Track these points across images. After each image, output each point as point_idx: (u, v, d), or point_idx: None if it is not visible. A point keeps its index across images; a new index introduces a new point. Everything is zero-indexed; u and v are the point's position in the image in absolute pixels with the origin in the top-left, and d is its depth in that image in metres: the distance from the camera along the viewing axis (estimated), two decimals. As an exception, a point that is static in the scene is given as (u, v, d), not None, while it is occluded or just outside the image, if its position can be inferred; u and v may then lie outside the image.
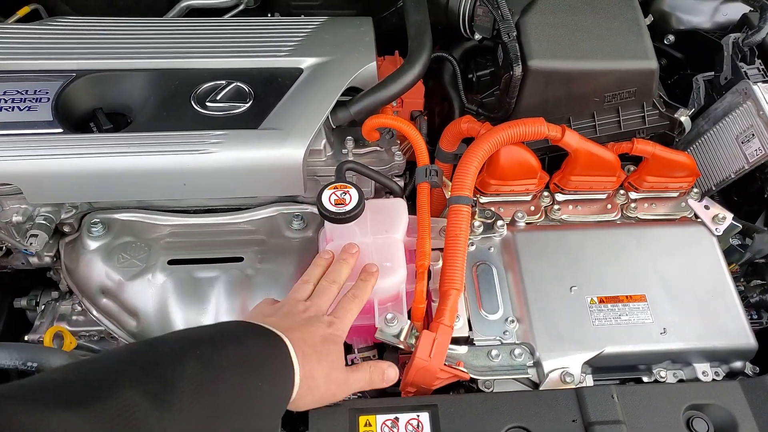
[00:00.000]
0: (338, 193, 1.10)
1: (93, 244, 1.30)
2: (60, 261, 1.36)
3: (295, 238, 1.33)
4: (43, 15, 1.61)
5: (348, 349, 1.20)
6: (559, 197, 1.34)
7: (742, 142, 1.33)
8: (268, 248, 1.31)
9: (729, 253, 1.31)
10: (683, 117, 1.35)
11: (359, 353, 1.18)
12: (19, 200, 1.26)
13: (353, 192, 1.10)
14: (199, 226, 1.35)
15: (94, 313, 1.32)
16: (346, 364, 0.99)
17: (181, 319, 1.22)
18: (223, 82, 1.32)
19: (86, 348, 1.28)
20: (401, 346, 1.06)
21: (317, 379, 0.93)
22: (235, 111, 1.28)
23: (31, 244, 1.25)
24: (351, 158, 1.32)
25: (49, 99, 1.27)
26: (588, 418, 0.96)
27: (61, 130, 1.23)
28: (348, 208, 1.08)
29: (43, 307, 1.47)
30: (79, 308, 1.43)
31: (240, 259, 1.27)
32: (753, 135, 1.30)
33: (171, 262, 1.26)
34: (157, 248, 1.29)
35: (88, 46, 1.36)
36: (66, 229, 1.34)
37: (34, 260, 1.33)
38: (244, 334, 0.90)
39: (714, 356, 1.15)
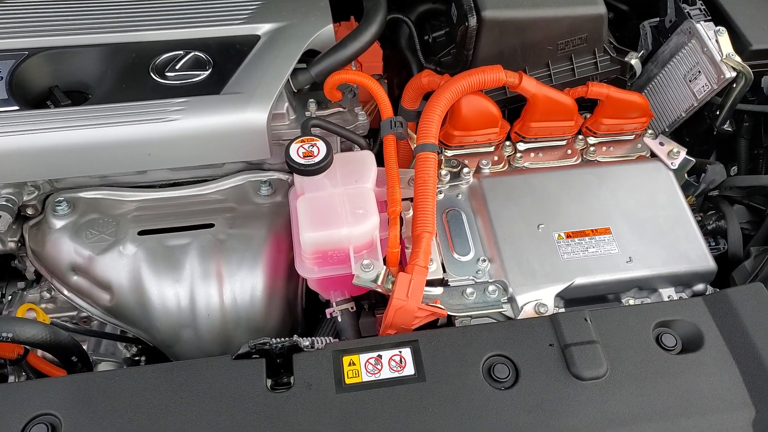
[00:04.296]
0: (306, 146, 1.11)
1: (59, 223, 1.28)
2: (25, 246, 1.33)
3: (264, 204, 1.33)
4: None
5: (326, 303, 1.21)
6: (521, 146, 1.38)
7: (690, 81, 1.38)
8: (239, 214, 1.31)
9: (685, 188, 1.37)
10: (633, 60, 1.40)
11: (337, 306, 1.18)
12: (-22, 182, 1.24)
13: (321, 144, 1.11)
14: (166, 199, 1.34)
15: (66, 293, 1.30)
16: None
17: (156, 287, 1.21)
18: (181, 52, 1.32)
19: (60, 326, 1.25)
20: (379, 290, 1.08)
21: None
22: (195, 79, 1.28)
23: (-6, 225, 1.22)
24: (315, 118, 1.33)
25: (2, 77, 1.24)
26: (564, 341, 0.99)
27: (17, 108, 1.21)
28: (317, 159, 1.09)
29: (9, 297, 1.44)
30: (47, 295, 1.40)
31: (211, 226, 1.27)
32: (699, 72, 1.36)
33: (141, 233, 1.25)
34: (126, 222, 1.28)
35: (39, 25, 1.34)
36: (29, 211, 1.32)
37: (-3, 246, 1.31)
38: None
39: (678, 280, 1.20)
